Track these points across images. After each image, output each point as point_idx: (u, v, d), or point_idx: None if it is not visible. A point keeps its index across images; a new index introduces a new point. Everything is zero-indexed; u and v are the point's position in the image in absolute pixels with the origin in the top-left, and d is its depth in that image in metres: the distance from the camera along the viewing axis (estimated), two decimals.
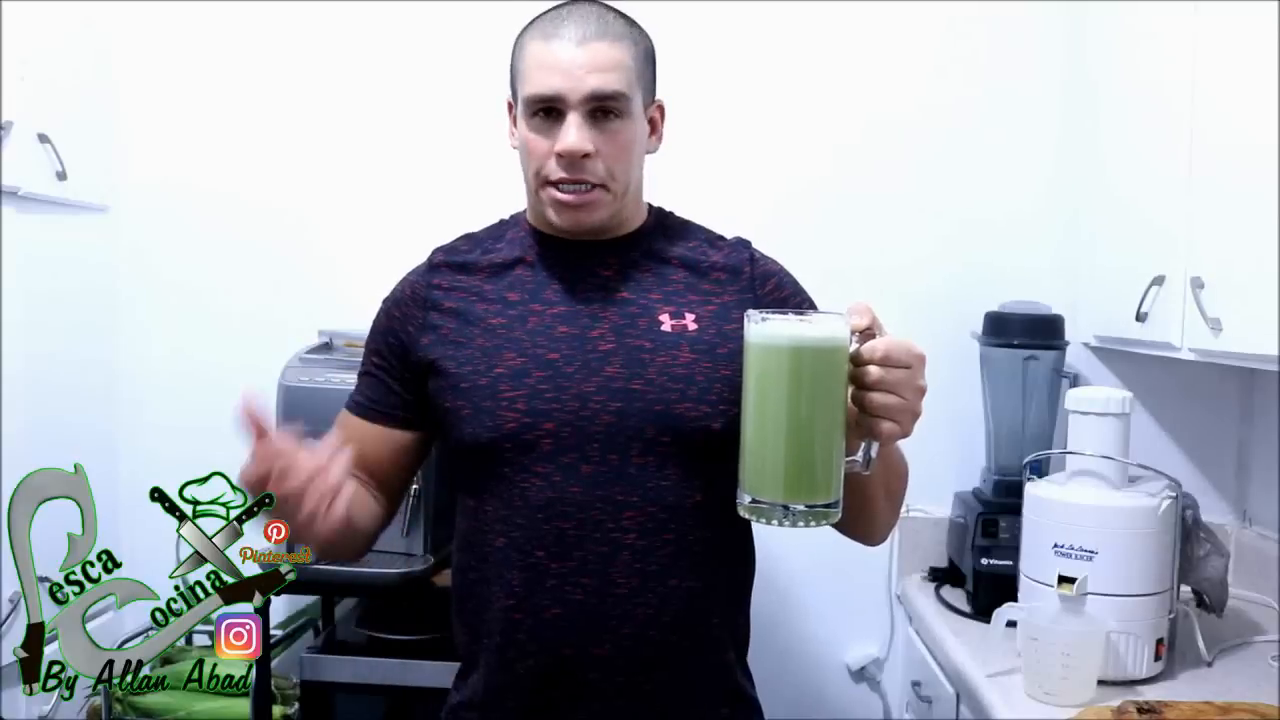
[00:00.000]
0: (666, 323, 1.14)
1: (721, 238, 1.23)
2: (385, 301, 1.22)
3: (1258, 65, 1.37)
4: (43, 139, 1.80)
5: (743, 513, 0.93)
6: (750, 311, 0.93)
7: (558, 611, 1.09)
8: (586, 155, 1.09)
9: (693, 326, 1.13)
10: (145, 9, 2.08)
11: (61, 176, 1.85)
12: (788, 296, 1.20)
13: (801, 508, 0.90)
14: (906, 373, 0.92)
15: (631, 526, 1.09)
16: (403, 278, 1.23)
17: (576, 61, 1.09)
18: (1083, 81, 1.99)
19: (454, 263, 1.20)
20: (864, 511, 1.12)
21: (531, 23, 1.15)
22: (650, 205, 1.24)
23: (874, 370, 0.91)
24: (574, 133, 1.09)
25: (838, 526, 1.11)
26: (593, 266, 1.17)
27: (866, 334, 0.92)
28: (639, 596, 1.09)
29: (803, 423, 0.90)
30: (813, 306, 1.21)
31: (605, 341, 1.12)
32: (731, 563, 1.18)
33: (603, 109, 1.10)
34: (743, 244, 1.22)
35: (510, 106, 1.19)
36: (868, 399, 0.92)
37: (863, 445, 0.95)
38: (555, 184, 1.11)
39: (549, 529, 1.09)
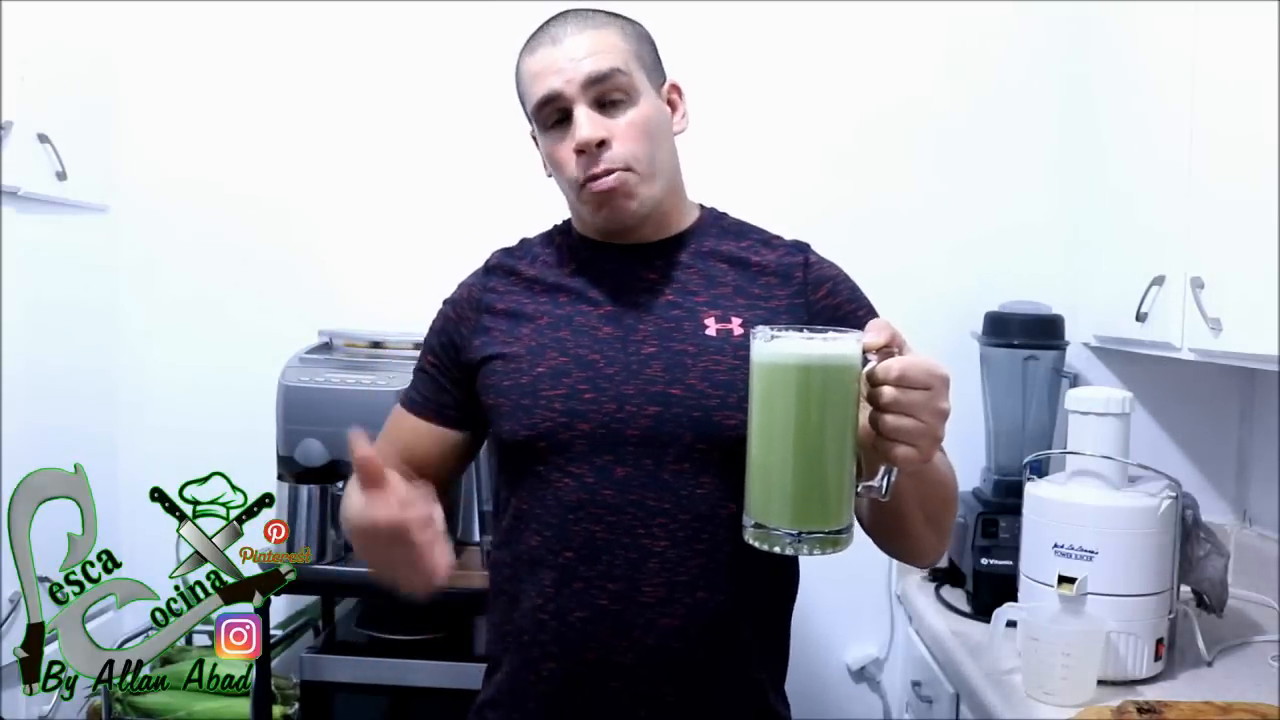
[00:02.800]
0: (712, 326, 1.11)
1: (778, 238, 1.20)
2: (445, 303, 1.23)
3: (1258, 65, 1.37)
4: (43, 139, 1.80)
5: (748, 538, 0.90)
6: (758, 328, 0.89)
7: (583, 615, 1.08)
8: (602, 143, 1.08)
9: (738, 331, 1.11)
10: (145, 9, 2.08)
11: (61, 176, 1.85)
12: (842, 303, 1.16)
13: (808, 535, 0.86)
14: (925, 394, 0.86)
15: (662, 534, 1.07)
16: (463, 280, 1.24)
17: (566, 55, 1.09)
18: (1083, 81, 1.98)
19: (507, 265, 1.21)
20: (901, 535, 1.08)
21: (520, 51, 1.16)
22: (702, 206, 1.22)
23: (888, 391, 0.85)
24: (584, 124, 1.08)
25: (882, 547, 1.10)
26: (638, 270, 1.16)
27: (885, 352, 0.86)
28: (665, 607, 1.07)
29: (810, 446, 0.86)
30: (871, 311, 1.16)
31: (648, 344, 1.11)
32: (767, 578, 1.13)
33: (608, 94, 1.10)
34: (799, 247, 1.19)
35: (535, 139, 1.18)
36: (882, 421, 0.87)
37: (882, 469, 0.89)
38: (587, 183, 1.10)
39: (579, 530, 1.08)
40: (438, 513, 0.97)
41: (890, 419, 0.86)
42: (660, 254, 1.17)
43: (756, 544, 0.89)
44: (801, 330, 0.88)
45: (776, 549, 0.87)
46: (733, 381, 1.08)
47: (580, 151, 1.09)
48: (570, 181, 1.12)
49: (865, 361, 0.87)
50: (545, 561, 1.10)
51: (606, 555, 1.08)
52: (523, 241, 1.25)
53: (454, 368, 1.19)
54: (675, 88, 1.18)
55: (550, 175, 1.17)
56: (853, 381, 0.86)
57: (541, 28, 1.14)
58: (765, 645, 1.16)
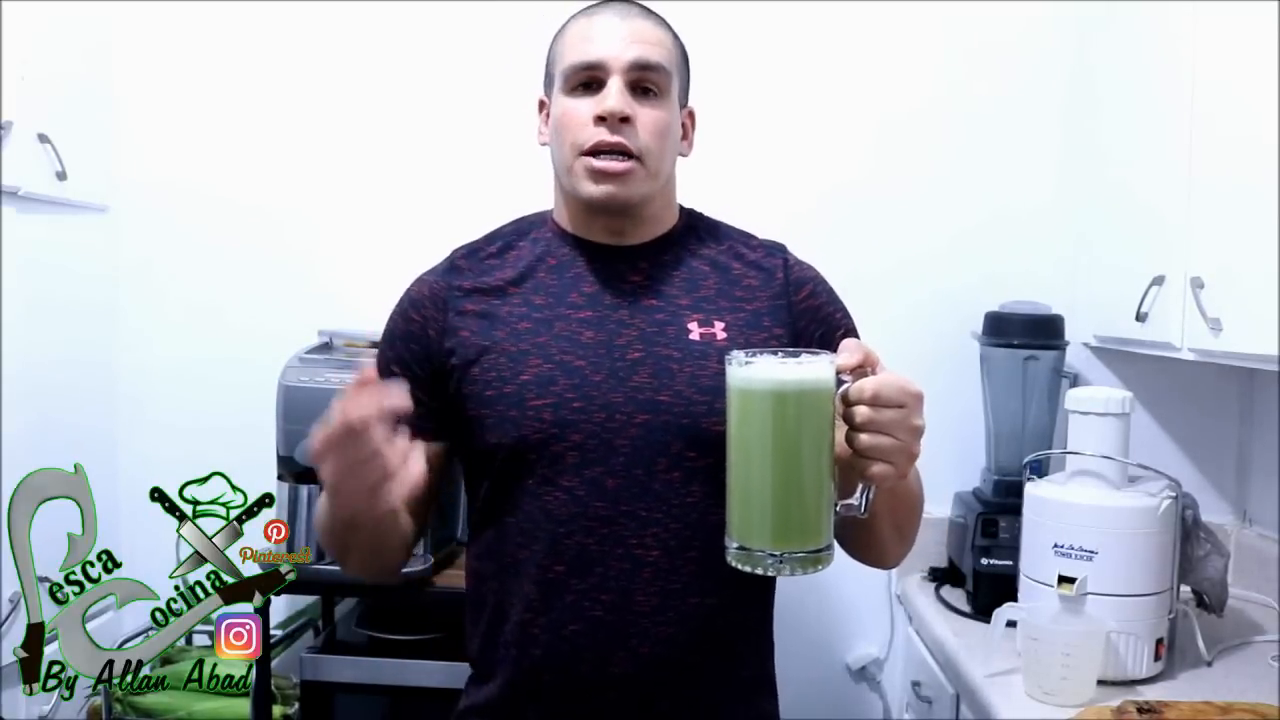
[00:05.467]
0: (695, 331, 1.11)
1: (754, 238, 1.20)
2: (401, 304, 1.17)
3: (1258, 65, 1.37)
4: (43, 139, 1.80)
5: (730, 559, 0.90)
6: (733, 353, 0.89)
7: (576, 628, 1.07)
8: (626, 119, 1.08)
9: (721, 335, 1.10)
10: (145, 9, 2.08)
11: (61, 176, 1.85)
12: (822, 304, 1.16)
13: (790, 555, 0.87)
14: (899, 412, 0.87)
15: (654, 544, 1.06)
16: (419, 278, 1.18)
17: (620, 32, 1.10)
18: (1083, 81, 1.99)
19: (476, 264, 1.16)
20: (870, 545, 1.09)
21: (571, 16, 1.16)
22: (681, 207, 1.21)
23: (863, 410, 0.87)
24: (615, 95, 1.08)
25: (849, 553, 1.09)
26: (621, 270, 1.14)
27: (859, 372, 0.88)
28: (660, 615, 1.07)
29: (788, 468, 0.87)
30: (846, 314, 1.18)
31: (633, 350, 1.09)
32: (755, 581, 1.12)
33: (643, 84, 1.10)
34: (777, 249, 1.19)
35: (542, 105, 1.18)
36: (858, 440, 0.88)
37: (859, 487, 0.91)
38: (593, 152, 1.09)
39: (571, 543, 1.07)
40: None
41: (866, 438, 0.88)
42: (645, 256, 1.15)
43: (739, 565, 0.90)
44: (776, 353, 0.88)
45: (759, 570, 0.89)
46: (718, 387, 1.05)
47: (601, 120, 1.08)
48: (575, 145, 1.10)
49: (840, 382, 0.88)
50: (533, 576, 1.08)
51: (599, 567, 1.06)
52: (489, 236, 1.20)
53: (426, 377, 1.13)
54: (691, 114, 1.19)
55: (545, 144, 1.16)
56: (828, 403, 0.87)
57: (599, 2, 1.15)
58: (755, 645, 1.16)
